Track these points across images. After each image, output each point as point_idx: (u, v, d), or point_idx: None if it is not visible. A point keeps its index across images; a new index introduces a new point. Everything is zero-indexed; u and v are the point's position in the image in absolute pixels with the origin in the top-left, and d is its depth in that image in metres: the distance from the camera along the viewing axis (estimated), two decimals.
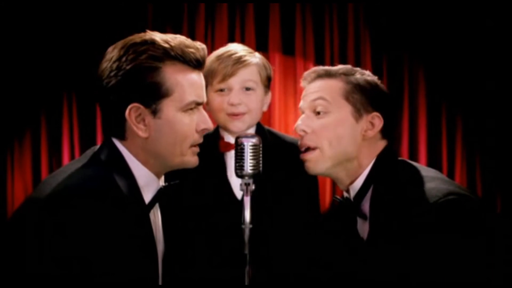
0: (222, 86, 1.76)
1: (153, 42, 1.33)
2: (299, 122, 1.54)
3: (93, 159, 1.37)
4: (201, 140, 1.43)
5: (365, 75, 1.54)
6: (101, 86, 1.33)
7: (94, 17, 3.19)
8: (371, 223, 1.44)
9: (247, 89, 1.77)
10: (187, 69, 1.36)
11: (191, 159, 1.42)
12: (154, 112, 1.33)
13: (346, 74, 1.53)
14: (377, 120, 1.49)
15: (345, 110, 1.49)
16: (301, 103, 1.57)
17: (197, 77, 1.39)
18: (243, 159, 1.33)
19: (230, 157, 1.76)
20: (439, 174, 1.47)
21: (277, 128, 3.17)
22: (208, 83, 1.78)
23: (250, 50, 1.83)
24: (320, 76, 1.54)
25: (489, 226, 1.32)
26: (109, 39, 1.41)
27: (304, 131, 1.52)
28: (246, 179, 1.32)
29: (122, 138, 1.36)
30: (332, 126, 1.49)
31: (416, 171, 1.46)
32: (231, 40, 3.26)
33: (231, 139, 1.75)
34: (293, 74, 3.35)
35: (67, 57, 3.23)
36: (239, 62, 1.75)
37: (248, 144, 1.33)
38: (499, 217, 1.74)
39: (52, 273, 1.17)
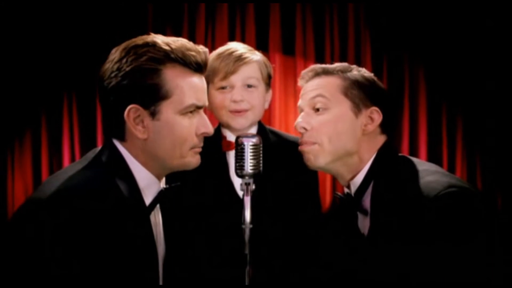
0: (223, 83, 1.77)
1: (154, 44, 1.33)
2: (299, 119, 1.54)
3: (94, 161, 1.38)
4: (201, 144, 1.42)
5: (362, 71, 1.56)
6: (102, 87, 1.34)
7: (95, 17, 3.19)
8: (372, 219, 1.44)
9: (249, 86, 1.77)
10: (187, 72, 1.36)
11: (192, 160, 1.42)
12: (153, 114, 1.33)
13: (343, 71, 1.54)
14: (376, 115, 1.50)
15: (344, 106, 1.50)
16: (300, 102, 1.57)
17: (198, 81, 1.39)
18: (243, 159, 1.33)
19: (232, 156, 1.77)
20: (439, 168, 1.47)
21: (277, 127, 3.17)
22: (209, 82, 1.78)
23: (251, 48, 1.84)
24: (317, 74, 1.55)
25: (490, 219, 1.32)
26: (109, 39, 1.42)
27: (304, 128, 1.53)
28: (246, 179, 1.32)
29: (122, 139, 1.37)
30: (332, 122, 1.49)
31: (416, 166, 1.47)
32: (232, 40, 3.24)
33: (233, 138, 1.75)
34: (294, 74, 3.35)
35: (67, 57, 3.23)
36: (240, 59, 1.76)
37: (249, 144, 1.33)
38: (498, 212, 1.74)
39: (52, 274, 1.17)
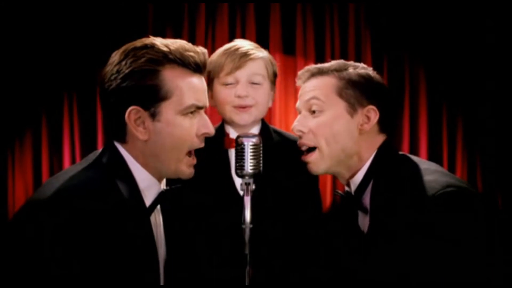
0: (229, 79, 1.78)
1: (152, 46, 1.34)
2: (295, 122, 1.55)
3: (94, 162, 1.38)
4: (202, 145, 1.43)
5: (358, 68, 1.55)
6: (103, 89, 1.35)
7: (95, 17, 3.19)
8: (371, 217, 1.44)
9: (254, 83, 1.78)
10: (186, 73, 1.37)
11: (186, 170, 1.42)
12: (153, 115, 1.34)
13: (338, 70, 1.54)
14: (373, 113, 1.50)
15: (339, 107, 1.50)
16: (298, 103, 1.58)
17: (197, 81, 1.39)
18: (244, 159, 1.33)
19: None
20: (439, 167, 1.47)
21: (277, 127, 3.16)
22: (214, 77, 1.79)
23: (257, 45, 1.85)
24: (313, 74, 1.56)
25: (488, 219, 1.32)
26: (109, 39, 1.42)
27: (301, 131, 1.53)
28: (247, 179, 1.33)
29: (123, 141, 1.37)
30: (328, 124, 1.50)
31: (416, 165, 1.47)
32: (232, 40, 3.25)
33: (236, 135, 1.75)
34: (294, 74, 3.32)
35: (67, 57, 3.23)
36: (246, 55, 1.77)
37: (249, 144, 1.33)
38: (498, 211, 1.74)
39: (53, 274, 1.17)
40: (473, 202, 1.33)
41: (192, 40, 1.44)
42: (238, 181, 1.77)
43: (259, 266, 1.40)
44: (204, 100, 1.41)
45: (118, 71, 1.32)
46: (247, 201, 1.29)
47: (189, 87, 1.36)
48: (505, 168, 3.28)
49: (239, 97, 1.76)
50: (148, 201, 1.38)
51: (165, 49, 1.34)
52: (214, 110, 1.87)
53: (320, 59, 3.25)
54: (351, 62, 1.57)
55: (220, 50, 1.82)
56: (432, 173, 1.40)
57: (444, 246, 1.28)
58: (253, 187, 1.32)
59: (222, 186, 1.79)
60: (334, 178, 1.63)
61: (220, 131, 1.84)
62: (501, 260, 1.31)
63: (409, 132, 3.42)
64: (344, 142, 1.49)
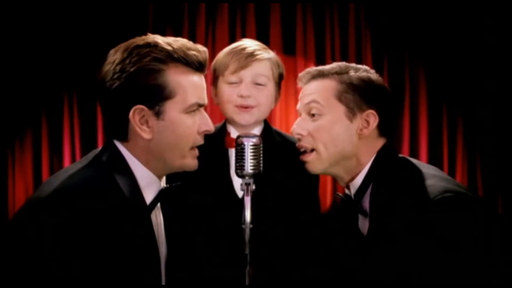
0: (233, 78, 1.78)
1: (156, 45, 1.34)
2: (295, 125, 1.56)
3: (94, 161, 1.38)
4: (202, 142, 1.44)
5: (360, 71, 1.55)
6: (104, 88, 1.34)
7: (95, 16, 3.19)
8: (371, 220, 1.45)
9: (258, 84, 1.78)
10: (189, 72, 1.37)
11: (191, 162, 1.43)
12: (158, 114, 1.34)
13: (339, 73, 1.53)
14: (372, 118, 1.50)
15: (338, 111, 1.50)
16: (298, 105, 1.59)
17: (198, 79, 1.40)
18: (244, 159, 1.33)
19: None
20: (438, 171, 1.47)
21: (277, 127, 3.16)
22: (219, 75, 1.80)
23: (265, 46, 1.84)
24: (313, 77, 1.56)
25: (485, 224, 1.32)
26: (110, 38, 1.42)
27: (300, 134, 1.54)
28: (247, 179, 1.33)
29: (124, 139, 1.37)
30: (326, 128, 1.50)
31: (415, 169, 1.47)
32: (232, 40, 3.25)
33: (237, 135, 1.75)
34: (294, 74, 3.33)
35: (68, 56, 3.23)
36: (252, 55, 1.77)
37: (249, 144, 1.33)
38: (497, 215, 1.74)
39: (53, 274, 1.17)
40: (471, 207, 1.33)
41: (192, 40, 1.44)
42: (236, 181, 1.77)
43: (259, 266, 1.40)
44: (205, 98, 1.42)
45: (121, 70, 1.31)
46: (247, 201, 1.29)
47: (192, 86, 1.37)
48: (506, 168, 3.28)
49: (241, 96, 1.77)
50: (148, 199, 1.39)
51: (169, 48, 1.34)
52: (215, 108, 1.87)
53: (320, 59, 3.25)
54: (353, 65, 1.56)
55: (227, 49, 1.82)
56: (431, 178, 1.40)
57: (442, 249, 1.28)
58: (253, 187, 1.32)
59: (220, 186, 1.79)
60: (335, 179, 1.62)
61: (222, 130, 1.85)
62: (500, 261, 1.30)
63: (409, 132, 3.41)
64: (343, 146, 1.50)
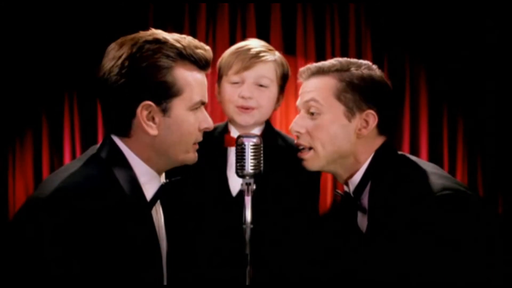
0: (236, 78, 1.78)
1: (165, 41, 1.34)
2: (293, 123, 1.55)
3: (93, 158, 1.38)
4: (201, 138, 1.44)
5: (361, 68, 1.52)
6: (108, 84, 1.32)
7: (96, 16, 3.19)
8: (369, 217, 1.45)
9: (261, 85, 1.78)
10: (195, 69, 1.38)
11: (192, 156, 1.44)
12: (164, 111, 1.34)
13: (339, 70, 1.51)
14: (371, 118, 1.49)
15: (337, 110, 1.49)
16: (298, 101, 1.58)
17: (202, 77, 1.41)
18: (244, 159, 1.33)
19: (232, 153, 1.77)
20: (438, 169, 1.47)
21: (277, 127, 3.16)
22: (223, 74, 1.80)
23: (270, 47, 1.84)
24: (313, 73, 1.54)
25: (484, 222, 1.32)
26: (110, 38, 1.42)
27: (298, 132, 1.53)
28: (247, 179, 1.33)
29: (126, 135, 1.37)
30: (325, 127, 1.49)
31: (414, 166, 1.46)
32: (232, 40, 3.26)
33: (237, 135, 1.75)
34: (294, 74, 3.33)
35: (68, 56, 3.23)
36: (257, 57, 1.76)
37: (249, 144, 1.33)
38: (497, 214, 1.74)
39: (54, 274, 1.17)
40: (469, 205, 1.32)
41: None
42: (231, 180, 1.77)
43: (259, 266, 1.40)
44: (207, 96, 1.43)
45: (130, 65, 1.30)
46: (248, 201, 1.29)
47: (197, 84, 1.38)
48: (506, 168, 3.28)
49: (243, 97, 1.76)
50: (148, 195, 1.38)
51: (178, 45, 1.35)
52: (215, 107, 1.88)
53: (321, 59, 3.21)
54: (355, 61, 1.54)
55: (232, 48, 1.82)
56: (430, 175, 1.40)
57: (440, 247, 1.28)
58: (254, 187, 1.32)
59: (215, 183, 1.79)
60: (335, 177, 1.62)
61: (225, 129, 1.85)
62: (498, 260, 1.30)
63: (410, 132, 3.42)
64: (340, 145, 1.49)
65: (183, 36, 1.39)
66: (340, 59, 1.55)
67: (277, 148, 1.81)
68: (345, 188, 1.57)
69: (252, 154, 1.33)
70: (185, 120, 1.37)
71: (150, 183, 1.39)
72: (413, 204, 1.33)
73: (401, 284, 1.32)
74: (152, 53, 1.31)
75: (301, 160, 1.56)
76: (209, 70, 1.44)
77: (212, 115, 1.51)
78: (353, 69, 1.51)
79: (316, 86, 1.52)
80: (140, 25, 1.53)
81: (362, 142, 1.49)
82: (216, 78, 1.88)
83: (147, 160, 1.38)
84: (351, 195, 1.52)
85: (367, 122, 1.49)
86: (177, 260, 1.49)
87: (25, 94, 3.24)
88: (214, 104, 2.82)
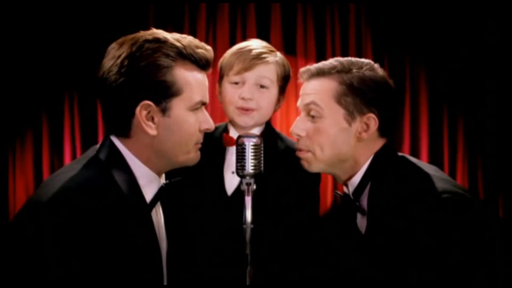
0: (237, 79, 1.78)
1: (165, 41, 1.33)
2: (293, 126, 1.54)
3: (92, 160, 1.37)
4: (202, 140, 1.44)
5: (363, 69, 1.50)
6: (107, 84, 1.32)
7: (96, 16, 3.19)
8: (368, 218, 1.44)
9: (261, 86, 1.78)
10: (195, 69, 1.38)
11: (194, 155, 1.43)
12: (164, 110, 1.34)
13: (340, 71, 1.49)
14: (372, 122, 1.47)
15: (337, 114, 1.47)
16: (299, 102, 1.57)
17: (203, 78, 1.40)
18: (244, 159, 1.33)
19: (231, 153, 1.77)
20: (437, 171, 1.46)
21: (278, 128, 3.17)
22: (224, 74, 1.80)
23: (272, 48, 1.83)
24: (313, 75, 1.53)
25: (483, 225, 1.31)
26: (110, 38, 1.41)
27: (298, 135, 1.53)
28: (247, 179, 1.33)
29: (125, 136, 1.36)
30: (324, 131, 1.48)
31: (414, 168, 1.46)
32: (232, 40, 3.26)
33: (235, 135, 1.76)
34: (295, 74, 3.33)
35: (68, 56, 3.23)
36: (258, 57, 1.76)
37: (249, 144, 1.33)
38: (497, 217, 1.74)
39: (54, 275, 1.17)
40: (468, 208, 1.32)
41: None
42: (228, 179, 1.78)
43: (259, 266, 1.40)
44: (207, 97, 1.42)
45: (129, 64, 1.30)
46: (248, 201, 1.29)
47: (197, 84, 1.37)
48: (506, 168, 3.28)
49: (243, 99, 1.76)
50: (148, 197, 1.38)
51: (178, 44, 1.34)
52: (215, 108, 1.88)
53: (321, 59, 3.21)
54: (356, 61, 1.51)
55: (234, 48, 1.82)
56: (430, 178, 1.39)
57: (439, 249, 1.28)
58: (254, 187, 1.32)
59: (212, 182, 1.79)
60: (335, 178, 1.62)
61: (225, 129, 1.85)
62: (497, 262, 1.30)
63: (410, 132, 3.42)
64: (340, 149, 1.48)
65: (184, 35, 1.39)
66: (341, 59, 1.53)
67: (277, 149, 1.81)
68: (345, 189, 1.56)
69: (252, 154, 1.33)
70: (185, 121, 1.36)
71: (149, 185, 1.39)
72: (412, 205, 1.33)
73: (400, 285, 1.32)
74: (152, 52, 1.31)
75: (300, 159, 1.56)
76: (210, 70, 1.44)
77: (212, 115, 1.50)
78: (354, 71, 1.49)
79: (316, 89, 1.50)
80: (140, 25, 1.53)
81: (362, 145, 1.48)
82: (217, 78, 1.88)
83: (146, 162, 1.38)
84: (351, 196, 1.51)
85: (367, 125, 1.47)
86: (177, 260, 1.48)
87: (25, 94, 3.24)
88: (214, 104, 2.82)
